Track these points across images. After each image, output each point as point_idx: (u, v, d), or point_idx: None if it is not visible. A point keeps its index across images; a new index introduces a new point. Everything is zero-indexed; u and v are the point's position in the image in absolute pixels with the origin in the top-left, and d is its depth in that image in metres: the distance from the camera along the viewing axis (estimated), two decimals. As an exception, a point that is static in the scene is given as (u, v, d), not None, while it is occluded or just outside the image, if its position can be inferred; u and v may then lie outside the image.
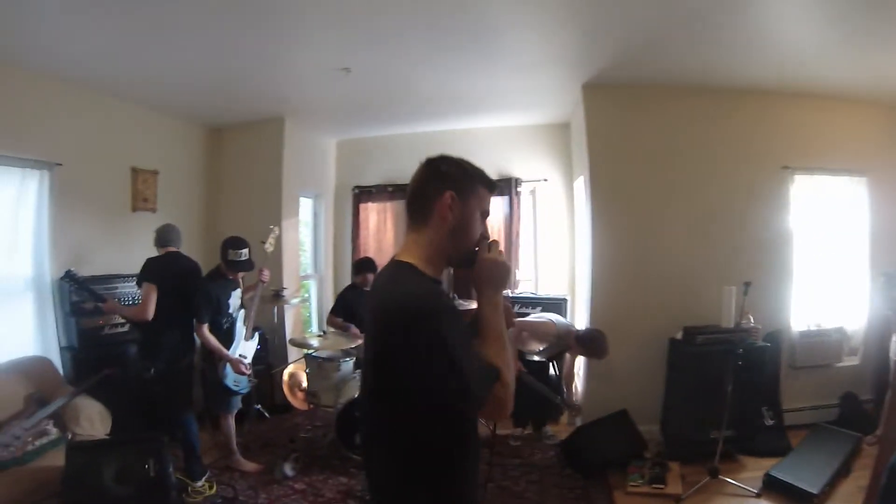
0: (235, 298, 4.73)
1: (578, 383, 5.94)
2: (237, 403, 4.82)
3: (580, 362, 5.71)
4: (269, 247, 5.02)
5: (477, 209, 1.72)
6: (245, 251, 4.58)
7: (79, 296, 4.65)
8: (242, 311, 4.84)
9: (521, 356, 5.25)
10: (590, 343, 4.94)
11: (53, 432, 3.88)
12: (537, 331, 5.18)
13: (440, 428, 1.57)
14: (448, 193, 1.66)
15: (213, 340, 4.48)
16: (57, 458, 3.62)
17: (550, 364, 5.47)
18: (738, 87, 5.37)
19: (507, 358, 1.60)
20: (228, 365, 4.56)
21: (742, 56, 4.68)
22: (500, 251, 1.73)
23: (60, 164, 4.81)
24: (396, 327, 1.52)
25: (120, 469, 3.57)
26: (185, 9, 3.75)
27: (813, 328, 5.67)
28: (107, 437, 4.12)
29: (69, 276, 4.33)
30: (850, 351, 5.79)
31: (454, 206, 1.66)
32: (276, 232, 5.12)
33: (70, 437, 3.94)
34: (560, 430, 5.61)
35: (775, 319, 5.42)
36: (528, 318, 5.40)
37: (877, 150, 5.69)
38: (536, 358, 5.33)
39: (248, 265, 4.63)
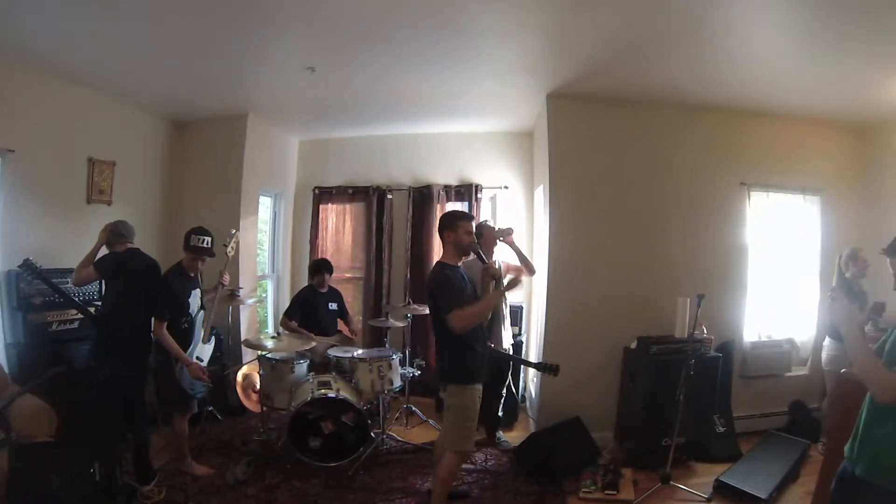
0: (195, 298, 4.59)
1: (532, 389, 6.00)
2: (193, 406, 4.65)
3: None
4: (230, 251, 4.86)
5: (462, 231, 3.85)
6: (208, 239, 4.48)
7: (31, 287, 4.58)
8: (202, 312, 4.67)
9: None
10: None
11: (-4, 433, 3.73)
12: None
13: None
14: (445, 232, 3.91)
15: (172, 341, 4.29)
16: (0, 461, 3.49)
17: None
18: (701, 103, 5.51)
19: (476, 312, 3.78)
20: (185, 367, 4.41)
21: (706, 73, 4.82)
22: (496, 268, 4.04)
23: (13, 151, 4.65)
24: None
25: (66, 473, 3.45)
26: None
27: (764, 339, 5.88)
28: (52, 439, 3.97)
29: (27, 266, 4.15)
30: (800, 361, 6.02)
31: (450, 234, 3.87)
32: (237, 236, 5.00)
33: (14, 438, 3.79)
34: (513, 436, 5.64)
35: (728, 330, 5.60)
36: None
37: (831, 169, 5.94)
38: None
39: (210, 252, 4.52)
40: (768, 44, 4.22)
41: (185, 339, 4.47)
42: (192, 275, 4.57)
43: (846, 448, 2.23)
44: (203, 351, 4.63)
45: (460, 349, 3.77)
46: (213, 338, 4.83)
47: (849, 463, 2.21)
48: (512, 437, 5.57)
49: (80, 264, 4.40)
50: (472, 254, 3.95)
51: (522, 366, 5.81)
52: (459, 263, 3.93)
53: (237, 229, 4.99)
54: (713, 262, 5.57)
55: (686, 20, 3.86)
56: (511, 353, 5.59)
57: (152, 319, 4.31)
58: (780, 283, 5.98)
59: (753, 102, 5.45)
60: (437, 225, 4.08)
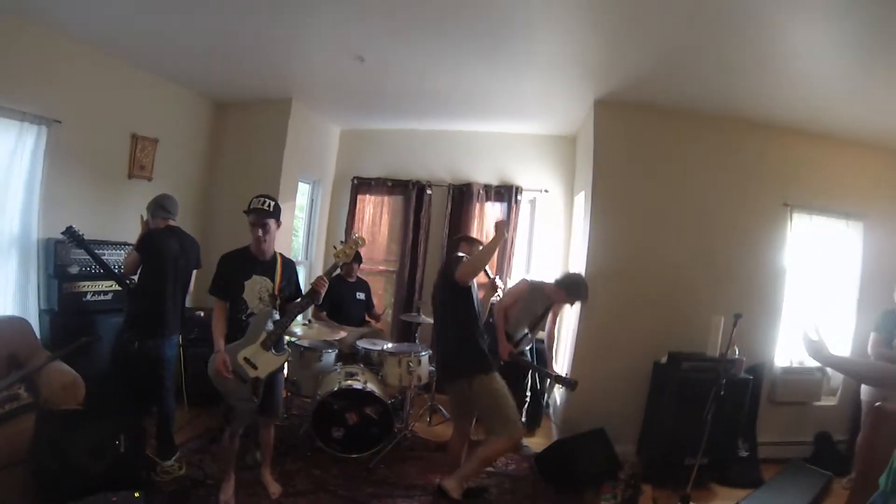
0: (261, 286, 3.87)
1: (557, 396, 5.94)
2: (234, 419, 3.97)
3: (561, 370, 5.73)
4: (340, 254, 3.93)
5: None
6: (271, 202, 3.84)
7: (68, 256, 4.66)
8: (276, 314, 3.88)
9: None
10: (569, 285, 4.99)
11: (24, 397, 3.78)
12: (512, 294, 5.28)
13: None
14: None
15: (216, 321, 3.78)
16: (26, 424, 3.53)
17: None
18: (749, 120, 5.41)
19: (481, 260, 4.09)
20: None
21: (757, 90, 4.73)
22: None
23: (60, 122, 4.72)
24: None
25: (90, 442, 3.49)
26: None
27: (795, 365, 5.71)
28: (79, 407, 4.02)
29: (70, 233, 4.23)
30: (829, 391, 5.85)
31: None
32: (359, 241, 4.07)
33: (42, 403, 3.84)
34: (535, 442, 5.59)
35: (759, 352, 5.47)
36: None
37: (876, 195, 5.74)
38: (527, 333, 5.27)
39: (269, 213, 3.81)
40: (823, 64, 4.11)
41: (236, 334, 3.82)
42: (261, 258, 3.90)
43: (881, 479, 2.16)
44: (262, 359, 3.76)
45: (474, 340, 4.03)
46: (285, 352, 4.02)
47: (880, 496, 2.14)
48: (534, 444, 5.51)
49: (129, 253, 4.48)
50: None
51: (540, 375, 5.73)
52: None
53: (361, 236, 4.12)
54: (750, 282, 5.45)
55: (743, 35, 3.80)
56: (531, 358, 5.56)
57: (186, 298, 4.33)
58: (816, 309, 5.79)
59: (802, 122, 5.33)
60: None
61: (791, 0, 3.34)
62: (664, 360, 5.16)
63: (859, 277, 5.79)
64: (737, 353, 4.94)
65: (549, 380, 5.64)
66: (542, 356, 5.90)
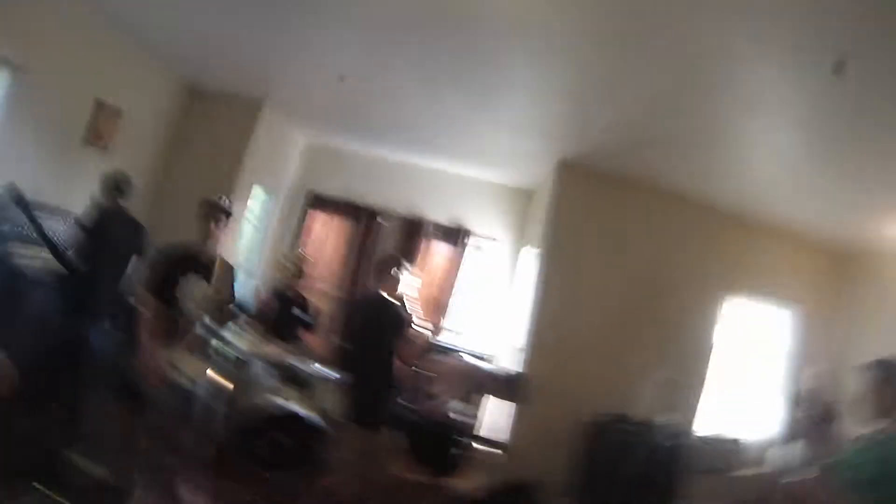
0: (196, 287, 3.67)
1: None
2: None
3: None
4: (285, 270, 4.14)
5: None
6: (228, 201, 3.83)
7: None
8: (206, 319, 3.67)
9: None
10: (509, 382, 5.04)
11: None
12: (449, 367, 5.17)
13: None
14: None
15: (143, 317, 3.57)
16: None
17: None
18: (699, 201, 5.71)
19: None
20: None
21: (710, 169, 5.05)
22: None
23: (26, 71, 4.38)
24: None
25: (18, 437, 3.32)
26: None
27: (713, 434, 5.89)
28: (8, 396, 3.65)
29: (11, 192, 3.95)
30: (748, 462, 5.95)
31: None
32: (304, 259, 4.22)
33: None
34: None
35: (683, 420, 5.57)
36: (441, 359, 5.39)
37: (811, 287, 6.07)
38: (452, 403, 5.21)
39: (227, 211, 3.78)
40: (776, 156, 4.44)
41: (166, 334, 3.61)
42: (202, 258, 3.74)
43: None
44: (187, 364, 3.58)
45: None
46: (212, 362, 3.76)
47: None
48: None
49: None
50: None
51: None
52: None
53: (305, 254, 4.22)
54: (679, 355, 5.63)
55: (708, 120, 4.09)
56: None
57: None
58: (739, 385, 6.11)
59: (747, 210, 5.65)
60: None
61: (752, 105, 3.66)
62: (595, 419, 5.23)
63: (786, 360, 6.09)
64: (664, 419, 5.08)
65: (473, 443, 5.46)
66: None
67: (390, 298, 3.80)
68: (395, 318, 4.07)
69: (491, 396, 5.32)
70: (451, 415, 5.25)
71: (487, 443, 4.88)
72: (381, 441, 3.93)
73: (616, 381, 5.45)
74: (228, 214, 3.75)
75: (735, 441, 5.91)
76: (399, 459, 4.79)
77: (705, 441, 5.81)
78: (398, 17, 3.80)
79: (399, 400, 4.47)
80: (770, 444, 5.66)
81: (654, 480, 4.97)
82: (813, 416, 5.04)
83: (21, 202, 4.03)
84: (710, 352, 5.84)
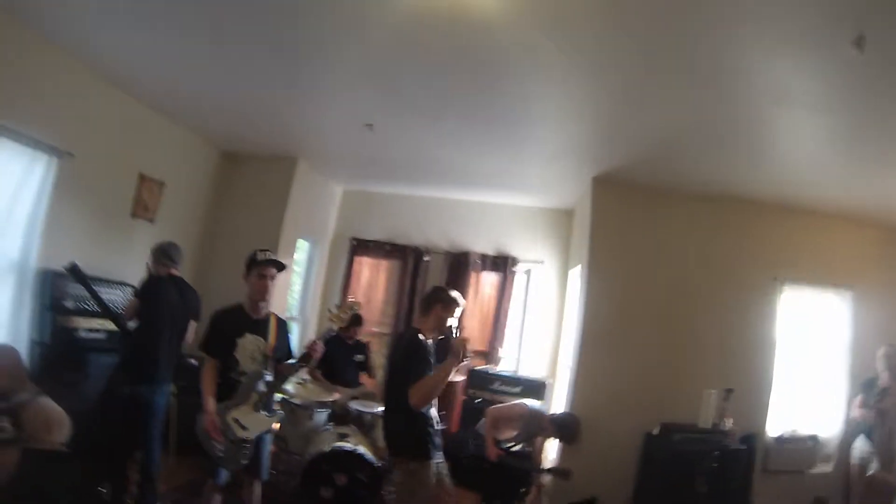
0: (254, 346, 3.70)
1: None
2: (219, 474, 3.70)
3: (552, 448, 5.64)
4: (336, 319, 3.77)
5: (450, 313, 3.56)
6: (272, 255, 3.80)
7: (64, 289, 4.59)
8: (268, 376, 3.70)
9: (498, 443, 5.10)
10: (563, 426, 4.91)
11: (7, 430, 3.64)
12: (509, 413, 5.13)
13: None
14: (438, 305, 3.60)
15: (207, 380, 3.61)
16: (5, 459, 3.38)
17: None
18: (738, 197, 5.64)
19: (436, 386, 3.37)
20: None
21: (746, 169, 4.97)
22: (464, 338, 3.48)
23: (72, 155, 4.70)
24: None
25: (74, 486, 3.32)
26: (222, 29, 3.88)
27: (788, 434, 5.69)
28: (63, 447, 3.87)
29: (74, 270, 4.18)
30: (824, 458, 5.79)
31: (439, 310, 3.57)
32: (357, 307, 3.98)
33: (25, 439, 3.70)
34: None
35: (752, 422, 5.43)
36: (500, 406, 5.35)
37: (864, 267, 5.88)
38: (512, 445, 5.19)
39: (278, 264, 3.79)
40: (814, 143, 4.37)
41: (226, 392, 3.66)
42: (255, 317, 3.77)
43: None
44: (251, 420, 3.60)
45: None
46: (275, 414, 3.90)
47: None
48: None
49: (129, 299, 4.48)
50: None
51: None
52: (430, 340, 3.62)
53: (357, 301, 4.03)
54: (741, 353, 5.50)
55: (734, 116, 4.03)
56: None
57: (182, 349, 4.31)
58: (806, 378, 5.88)
59: (791, 198, 5.55)
60: (430, 294, 3.81)
61: (777, 94, 3.62)
62: (656, 430, 5.13)
63: (849, 346, 5.85)
64: (728, 424, 4.94)
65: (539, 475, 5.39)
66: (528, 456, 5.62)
67: (422, 335, 3.67)
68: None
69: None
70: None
71: (552, 472, 4.84)
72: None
73: (676, 390, 5.36)
74: (278, 266, 3.80)
75: (812, 437, 5.71)
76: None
77: (781, 441, 5.64)
78: (418, 62, 3.91)
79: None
80: (847, 436, 5.46)
81: (727, 487, 4.84)
82: (885, 403, 4.87)
83: (80, 277, 4.26)
84: (774, 347, 5.68)
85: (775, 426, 5.68)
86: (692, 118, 4.16)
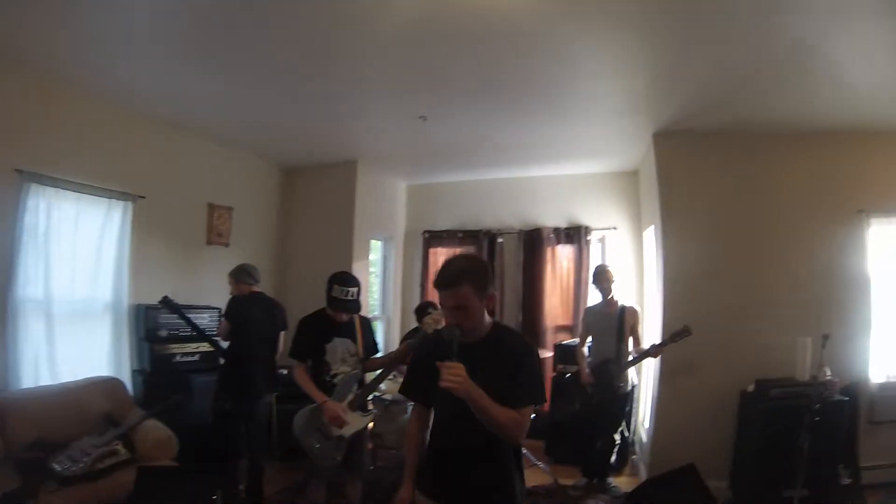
0: (343, 348, 3.89)
1: (643, 433, 5.77)
2: (325, 472, 3.91)
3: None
4: (426, 328, 3.76)
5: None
6: (354, 290, 3.84)
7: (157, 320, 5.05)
8: (355, 375, 3.91)
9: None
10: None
11: (122, 452, 3.98)
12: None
13: None
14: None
15: (307, 381, 3.76)
16: (124, 479, 3.70)
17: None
18: (811, 130, 5.24)
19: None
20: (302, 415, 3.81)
21: (816, 99, 4.61)
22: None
23: (144, 197, 5.12)
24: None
25: (188, 496, 3.58)
26: (266, 59, 4.10)
27: (894, 380, 5.30)
28: (174, 463, 4.20)
29: (166, 303, 4.63)
30: None
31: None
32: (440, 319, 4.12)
33: (138, 459, 4.03)
34: (622, 481, 5.41)
35: (853, 371, 5.09)
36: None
37: None
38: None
39: (353, 305, 3.87)
40: (884, 61, 3.97)
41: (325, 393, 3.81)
42: (340, 320, 3.90)
43: None
44: (347, 418, 3.77)
45: None
46: (370, 414, 4.09)
47: None
48: (621, 483, 5.35)
49: (220, 322, 4.98)
50: None
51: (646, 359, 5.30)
52: None
53: (438, 309, 3.84)
54: (833, 298, 5.15)
55: (798, 48, 3.74)
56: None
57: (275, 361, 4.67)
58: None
59: (867, 123, 5.05)
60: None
61: (842, 8, 3.30)
62: (751, 388, 4.93)
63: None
64: (828, 374, 4.70)
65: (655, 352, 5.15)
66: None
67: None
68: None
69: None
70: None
71: (673, 338, 4.87)
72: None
73: (768, 341, 5.07)
74: (356, 308, 3.95)
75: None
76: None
77: (885, 388, 5.28)
78: (460, 44, 3.86)
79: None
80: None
81: (832, 443, 4.63)
82: None
83: (174, 308, 4.70)
84: (868, 285, 5.24)
85: (877, 373, 5.27)
86: (754, 55, 3.88)
